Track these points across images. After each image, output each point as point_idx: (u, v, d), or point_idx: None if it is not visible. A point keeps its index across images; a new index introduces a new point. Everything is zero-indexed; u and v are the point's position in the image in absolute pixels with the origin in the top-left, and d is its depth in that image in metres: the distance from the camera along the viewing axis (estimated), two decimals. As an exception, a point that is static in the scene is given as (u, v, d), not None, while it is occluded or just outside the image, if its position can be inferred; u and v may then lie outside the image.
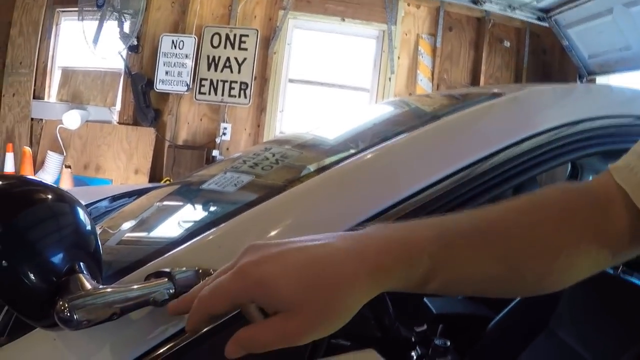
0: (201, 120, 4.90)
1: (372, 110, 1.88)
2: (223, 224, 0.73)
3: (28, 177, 0.59)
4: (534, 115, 0.92)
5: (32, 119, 4.85)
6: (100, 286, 0.54)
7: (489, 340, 1.50)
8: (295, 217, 0.74)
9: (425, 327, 1.57)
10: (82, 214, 0.57)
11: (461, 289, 0.50)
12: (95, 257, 0.59)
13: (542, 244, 0.49)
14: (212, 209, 1.04)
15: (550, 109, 0.96)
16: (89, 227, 0.58)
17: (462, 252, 0.47)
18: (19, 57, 4.73)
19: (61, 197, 0.56)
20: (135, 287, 0.56)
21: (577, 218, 0.50)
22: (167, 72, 4.69)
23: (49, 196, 0.55)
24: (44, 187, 0.56)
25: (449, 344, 1.48)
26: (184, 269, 0.62)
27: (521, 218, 0.50)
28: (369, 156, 0.83)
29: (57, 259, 0.53)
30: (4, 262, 0.50)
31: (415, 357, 1.49)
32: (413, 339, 1.49)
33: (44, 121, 4.90)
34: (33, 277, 0.51)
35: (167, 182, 3.97)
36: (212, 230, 0.73)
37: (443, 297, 1.91)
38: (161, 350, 0.62)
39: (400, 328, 1.36)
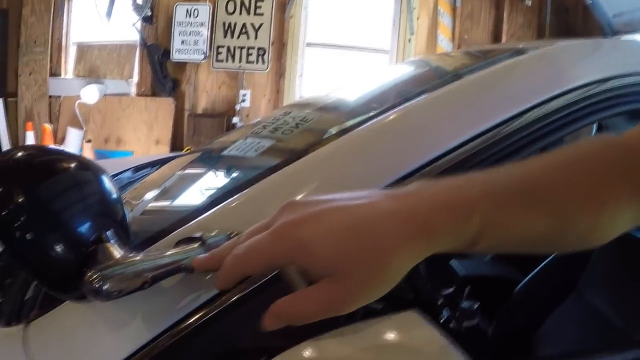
0: (220, 88, 4.87)
1: (393, 70, 1.85)
2: (249, 189, 0.72)
3: (49, 146, 0.58)
4: (562, 72, 0.88)
5: (50, 96, 4.86)
6: (130, 254, 0.53)
7: (517, 303, 1.49)
8: (322, 179, 0.73)
9: (452, 289, 1.56)
10: (107, 182, 0.56)
11: (507, 247, 0.48)
12: (122, 226, 0.57)
13: (587, 201, 0.47)
14: (235, 175, 1.03)
15: (579, 65, 0.92)
16: (114, 196, 0.56)
17: (511, 212, 0.45)
18: (33, 36, 4.73)
19: (85, 165, 0.55)
20: (166, 254, 0.55)
21: (618, 172, 0.48)
22: (183, 42, 4.65)
23: (72, 165, 0.54)
24: (66, 156, 0.55)
25: (476, 306, 1.48)
26: (216, 233, 0.60)
27: (565, 175, 0.48)
28: (392, 117, 0.81)
29: (84, 228, 0.52)
30: (28, 234, 0.49)
31: (442, 320, 1.49)
32: (440, 302, 1.49)
33: (62, 98, 4.91)
34: (59, 249, 0.50)
35: (188, 151, 3.98)
36: (237, 195, 0.71)
37: (470, 259, 1.90)
38: (193, 319, 0.61)
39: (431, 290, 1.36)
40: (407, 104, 0.83)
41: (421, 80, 1.28)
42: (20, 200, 0.49)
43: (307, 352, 0.45)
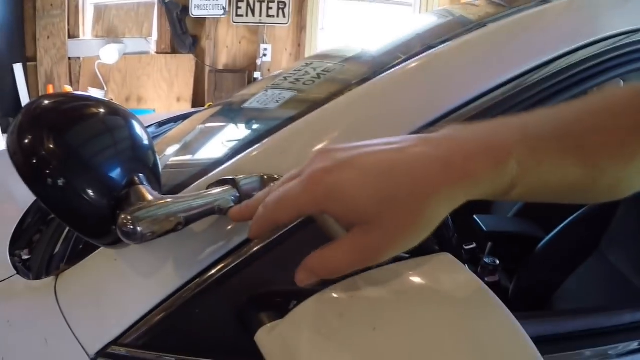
0: (240, 43, 4.84)
1: (416, 21, 1.82)
2: (271, 137, 0.71)
3: (77, 93, 0.58)
4: (590, 21, 0.85)
5: (69, 58, 4.87)
6: (163, 196, 0.52)
7: (538, 260, 1.49)
8: (345, 126, 0.72)
9: (474, 245, 1.56)
10: (137, 127, 0.55)
11: (540, 196, 0.46)
12: (154, 170, 0.57)
13: (618, 149, 0.45)
14: (256, 126, 1.02)
15: (609, 14, 0.89)
16: (145, 140, 0.56)
17: (546, 158, 0.43)
18: (49, -1, 4.72)
19: (115, 110, 0.54)
20: (199, 195, 0.54)
21: None
22: (202, -3, 4.61)
23: (101, 110, 0.53)
24: (95, 101, 0.55)
25: (497, 262, 1.48)
26: (248, 175, 0.59)
27: (598, 122, 0.46)
28: (415, 65, 0.79)
29: (116, 172, 0.51)
30: (60, 180, 0.49)
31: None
32: (463, 256, 1.49)
33: (81, 59, 4.92)
34: (92, 193, 0.50)
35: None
36: (258, 144, 0.71)
37: (494, 215, 1.90)
38: (224, 264, 0.62)
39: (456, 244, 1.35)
40: (430, 51, 0.82)
41: (445, 29, 1.25)
42: (50, 146, 0.49)
43: (339, 294, 0.46)
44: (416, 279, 0.45)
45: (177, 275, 0.62)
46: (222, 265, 0.62)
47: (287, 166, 0.59)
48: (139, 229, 0.46)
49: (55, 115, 0.51)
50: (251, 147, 0.71)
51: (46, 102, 0.53)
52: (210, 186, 0.60)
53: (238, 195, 0.56)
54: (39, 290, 0.70)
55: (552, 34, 0.83)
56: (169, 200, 0.50)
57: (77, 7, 4.90)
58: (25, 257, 0.84)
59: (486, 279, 1.47)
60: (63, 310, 0.66)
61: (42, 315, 0.68)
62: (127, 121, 0.55)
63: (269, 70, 4.72)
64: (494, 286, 1.47)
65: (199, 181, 0.66)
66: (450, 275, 0.45)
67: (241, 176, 0.58)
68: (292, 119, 0.75)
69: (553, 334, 0.85)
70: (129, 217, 0.46)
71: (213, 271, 0.62)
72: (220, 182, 0.59)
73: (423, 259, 0.46)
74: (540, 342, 0.83)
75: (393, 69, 0.79)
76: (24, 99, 4.67)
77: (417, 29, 1.30)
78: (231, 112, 1.23)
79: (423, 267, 0.46)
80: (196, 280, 0.62)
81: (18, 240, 0.88)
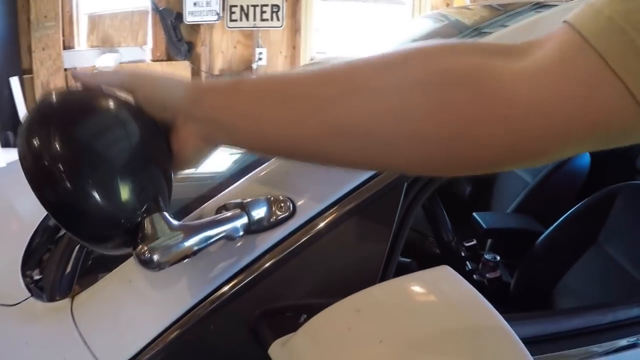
0: (235, 47, 4.83)
1: (411, 26, 1.83)
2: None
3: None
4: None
5: (65, 69, 4.87)
6: (176, 224, 0.53)
7: (538, 255, 1.51)
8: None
9: (474, 241, 1.58)
10: (152, 151, 0.56)
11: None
12: (168, 196, 0.57)
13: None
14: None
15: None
16: (158, 165, 0.56)
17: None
18: (43, 11, 4.69)
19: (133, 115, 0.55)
20: (211, 223, 0.56)
21: None
22: (195, 3, 4.60)
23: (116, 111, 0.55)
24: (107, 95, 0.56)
25: (498, 258, 1.50)
26: (255, 198, 0.62)
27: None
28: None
29: (132, 202, 0.51)
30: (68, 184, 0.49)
31: (466, 271, 1.51)
32: (463, 254, 1.51)
33: (77, 69, 4.92)
34: (112, 222, 0.51)
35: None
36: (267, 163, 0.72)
37: (493, 212, 1.91)
38: (235, 281, 0.64)
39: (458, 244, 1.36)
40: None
41: (441, 35, 1.27)
42: (59, 149, 0.49)
43: (346, 309, 0.48)
44: (418, 293, 0.48)
45: (191, 293, 0.65)
46: (234, 282, 0.64)
47: (293, 185, 0.61)
48: (155, 258, 0.49)
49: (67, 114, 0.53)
50: (258, 166, 0.72)
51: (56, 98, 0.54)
52: (219, 209, 0.62)
53: (247, 219, 0.59)
54: (56, 312, 0.73)
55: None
56: (183, 229, 0.53)
57: (71, 17, 4.90)
58: (37, 277, 0.85)
59: (487, 275, 1.49)
60: (80, 330, 0.68)
61: (60, 336, 0.70)
62: (144, 144, 0.55)
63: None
64: (495, 282, 1.49)
65: (208, 202, 0.69)
66: (450, 288, 0.48)
67: (249, 199, 0.60)
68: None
69: (553, 332, 0.87)
70: (146, 248, 0.49)
71: (225, 288, 0.64)
72: (229, 206, 0.61)
73: (424, 273, 0.49)
74: (540, 341, 0.86)
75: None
76: (22, 112, 4.67)
77: (414, 34, 1.31)
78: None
79: (424, 281, 0.49)
80: (210, 298, 0.64)
81: (28, 261, 0.90)
